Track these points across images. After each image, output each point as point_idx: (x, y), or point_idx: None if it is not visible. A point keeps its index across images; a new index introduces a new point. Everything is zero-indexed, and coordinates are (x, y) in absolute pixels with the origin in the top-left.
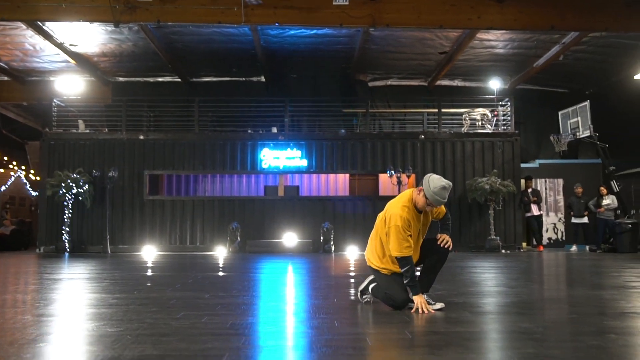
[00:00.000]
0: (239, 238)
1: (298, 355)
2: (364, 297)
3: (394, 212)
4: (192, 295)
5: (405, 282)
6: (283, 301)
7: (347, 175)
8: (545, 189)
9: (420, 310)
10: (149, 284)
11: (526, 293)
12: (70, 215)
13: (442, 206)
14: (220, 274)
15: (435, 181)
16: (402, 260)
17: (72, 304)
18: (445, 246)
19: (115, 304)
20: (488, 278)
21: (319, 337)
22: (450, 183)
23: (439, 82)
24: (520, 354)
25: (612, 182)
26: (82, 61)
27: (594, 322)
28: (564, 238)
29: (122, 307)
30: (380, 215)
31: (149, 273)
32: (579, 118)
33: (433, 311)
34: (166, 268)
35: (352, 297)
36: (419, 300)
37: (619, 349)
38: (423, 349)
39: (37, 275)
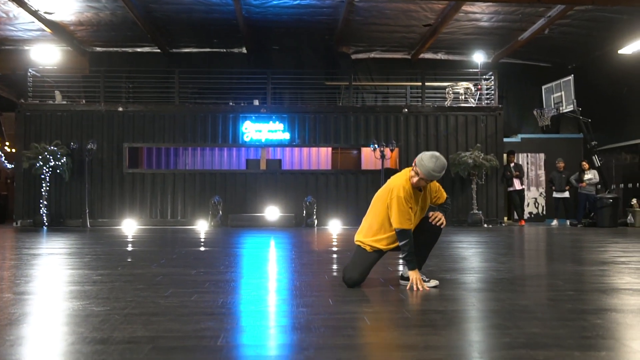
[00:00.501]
0: (220, 212)
1: (298, 337)
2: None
3: (398, 183)
4: (178, 272)
5: (401, 256)
6: (273, 278)
7: (330, 149)
8: (527, 163)
9: (415, 287)
10: (132, 260)
11: (518, 269)
12: (48, 188)
13: (442, 191)
14: (204, 249)
15: (426, 154)
16: (401, 233)
17: (54, 281)
18: (438, 223)
19: (99, 280)
20: (476, 253)
21: (315, 316)
22: (442, 158)
23: (422, 55)
24: (526, 335)
25: (593, 157)
26: (58, 30)
27: (591, 300)
28: (544, 212)
29: (106, 285)
30: (380, 191)
31: (131, 248)
32: (563, 92)
33: (428, 288)
34: (148, 243)
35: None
36: (414, 276)
37: (623, 329)
38: (424, 328)
39: (15, 250)
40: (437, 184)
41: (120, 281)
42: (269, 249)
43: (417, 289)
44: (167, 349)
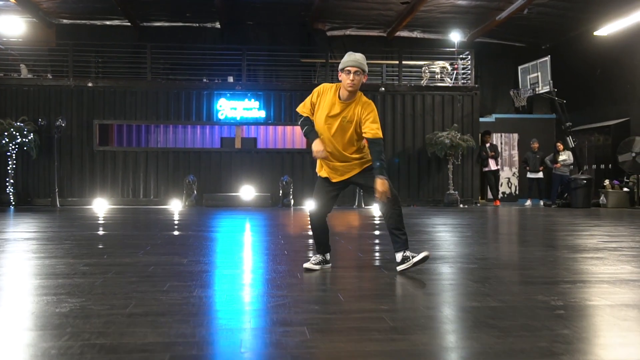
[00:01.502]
0: (195, 192)
1: (329, 339)
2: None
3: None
4: (169, 261)
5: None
6: (276, 269)
7: None
8: (501, 143)
9: (383, 193)
10: (116, 246)
11: (515, 257)
12: (14, 166)
13: (373, 124)
14: (189, 233)
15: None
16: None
17: (40, 270)
18: (384, 199)
19: (88, 272)
20: (468, 239)
21: (333, 316)
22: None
23: (398, 34)
24: (557, 337)
25: (568, 138)
26: (23, 0)
27: (606, 294)
28: (517, 192)
29: (98, 277)
30: None
31: (110, 232)
32: (539, 73)
33: (390, 196)
34: (127, 226)
35: (313, 266)
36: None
37: None
38: (455, 332)
39: None
40: (372, 113)
41: (111, 272)
42: (260, 233)
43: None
44: (187, 358)
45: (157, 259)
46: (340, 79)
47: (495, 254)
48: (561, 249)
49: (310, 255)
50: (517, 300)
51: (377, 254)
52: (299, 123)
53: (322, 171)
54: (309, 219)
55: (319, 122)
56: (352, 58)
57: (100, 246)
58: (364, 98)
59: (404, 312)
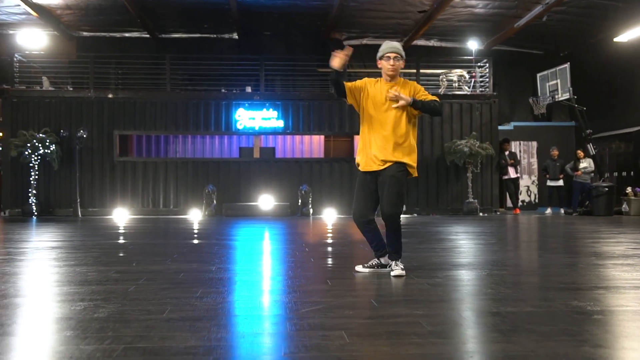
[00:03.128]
0: (214, 201)
1: (369, 343)
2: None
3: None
4: (197, 268)
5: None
6: (305, 275)
7: (323, 137)
8: (520, 151)
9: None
10: (143, 255)
11: (543, 263)
12: (36, 177)
13: (428, 95)
14: (210, 241)
15: None
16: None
17: (70, 278)
18: (391, 96)
19: (120, 279)
20: (492, 246)
21: (369, 320)
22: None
23: (415, 42)
24: (599, 341)
25: (588, 145)
26: (44, 14)
27: None
28: (537, 200)
29: (130, 283)
30: None
31: (135, 241)
32: (558, 80)
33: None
34: (149, 235)
35: (362, 269)
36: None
37: None
38: (494, 336)
39: (10, 244)
40: (419, 87)
41: (142, 279)
42: (282, 241)
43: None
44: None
45: (185, 266)
46: (380, 66)
47: (521, 260)
48: (589, 256)
49: (331, 262)
50: (552, 305)
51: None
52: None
53: (361, 163)
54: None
55: (371, 110)
56: (390, 45)
57: (127, 254)
58: (403, 80)
59: (439, 317)
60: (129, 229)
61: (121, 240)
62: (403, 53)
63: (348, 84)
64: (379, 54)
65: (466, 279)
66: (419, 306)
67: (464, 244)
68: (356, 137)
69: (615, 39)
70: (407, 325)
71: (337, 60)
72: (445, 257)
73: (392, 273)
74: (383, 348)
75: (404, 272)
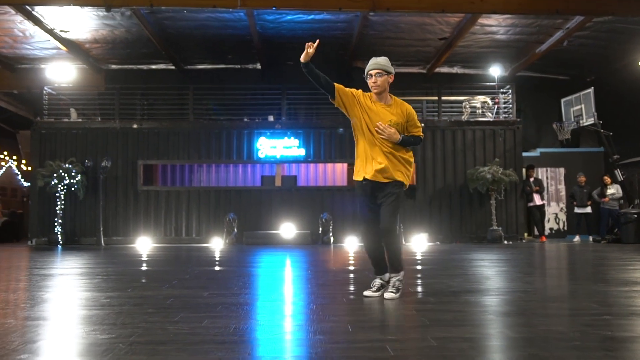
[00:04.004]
0: (235, 229)
1: None
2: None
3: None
4: (190, 294)
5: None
6: (287, 301)
7: (345, 165)
8: (547, 178)
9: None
10: (143, 280)
11: (587, 292)
12: (62, 206)
13: (417, 126)
14: (218, 268)
15: None
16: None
17: (61, 304)
18: (379, 130)
19: (107, 304)
20: (499, 272)
21: (333, 345)
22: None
23: (437, 70)
24: None
25: (616, 171)
26: (74, 48)
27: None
28: (565, 228)
29: (115, 308)
30: None
31: (144, 268)
32: (583, 105)
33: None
34: (162, 262)
35: (357, 295)
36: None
37: None
38: None
39: (26, 271)
40: (413, 114)
41: (129, 304)
42: (284, 269)
43: None
44: None
45: (180, 292)
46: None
47: (531, 288)
48: (602, 282)
49: (352, 288)
50: (533, 334)
51: (419, 285)
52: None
53: (359, 174)
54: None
55: (371, 125)
56: (373, 61)
57: (128, 280)
58: (399, 100)
59: (409, 342)
60: (144, 257)
61: (130, 267)
62: (388, 68)
63: (339, 86)
64: (365, 73)
65: (459, 305)
66: (394, 331)
67: (476, 270)
68: None
69: None
70: (370, 350)
71: (302, 56)
72: (450, 283)
73: (385, 295)
74: None
75: (396, 295)
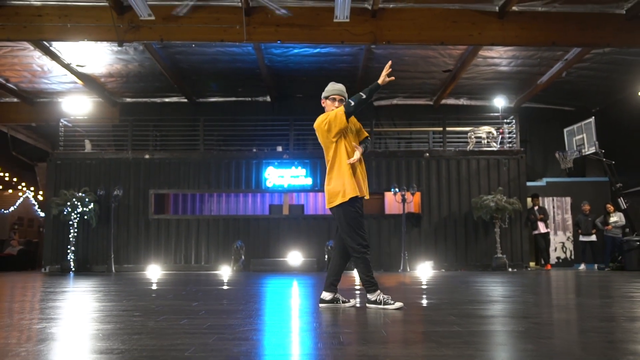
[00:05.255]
0: (243, 257)
1: None
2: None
3: (321, 117)
4: (181, 304)
5: (364, 96)
6: (270, 306)
7: None
8: (553, 207)
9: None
10: (139, 295)
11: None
12: (75, 234)
13: (363, 129)
14: (215, 287)
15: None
16: (347, 105)
17: (57, 308)
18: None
19: (100, 308)
20: (497, 297)
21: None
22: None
23: (444, 101)
24: None
25: (619, 200)
26: (90, 82)
27: None
28: (572, 257)
29: (104, 312)
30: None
31: (145, 287)
32: (584, 134)
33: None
34: (164, 283)
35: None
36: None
37: None
38: None
39: (30, 290)
40: (358, 124)
41: (119, 310)
42: (281, 288)
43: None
44: None
45: (171, 302)
46: (323, 105)
47: (508, 308)
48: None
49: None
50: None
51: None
52: (357, 98)
53: (357, 190)
54: (365, 250)
55: (352, 144)
56: (337, 87)
57: (126, 294)
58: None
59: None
60: (150, 280)
61: (131, 287)
62: (346, 96)
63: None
64: (325, 94)
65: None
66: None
67: (464, 291)
68: (387, 194)
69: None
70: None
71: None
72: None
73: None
74: None
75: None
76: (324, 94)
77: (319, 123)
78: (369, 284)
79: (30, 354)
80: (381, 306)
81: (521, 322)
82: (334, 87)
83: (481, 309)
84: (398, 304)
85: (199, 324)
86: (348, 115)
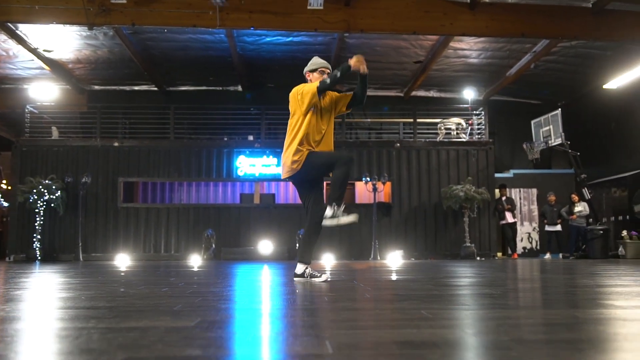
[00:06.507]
0: (213, 245)
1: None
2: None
3: (298, 87)
4: (138, 280)
5: (337, 73)
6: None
7: (324, 184)
8: (520, 198)
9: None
10: (100, 278)
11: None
12: (42, 222)
13: (345, 95)
14: (179, 269)
15: (312, 60)
16: (328, 77)
17: (28, 287)
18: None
19: (63, 283)
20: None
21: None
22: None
23: (414, 93)
24: None
25: (583, 190)
26: (57, 68)
27: None
28: (538, 247)
29: (63, 285)
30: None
31: (108, 270)
32: (551, 126)
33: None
34: (130, 269)
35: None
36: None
37: None
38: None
39: None
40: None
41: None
42: (243, 270)
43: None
44: None
45: (129, 279)
46: (309, 78)
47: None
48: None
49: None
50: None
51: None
52: (333, 76)
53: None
54: (317, 223)
55: (317, 115)
56: (323, 61)
57: (89, 273)
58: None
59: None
60: (114, 266)
61: (95, 270)
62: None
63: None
64: (312, 67)
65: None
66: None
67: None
68: (358, 184)
69: (604, 86)
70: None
71: (362, 67)
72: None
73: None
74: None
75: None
76: (309, 67)
77: (294, 92)
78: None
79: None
80: (308, 279)
81: (496, 289)
82: (321, 61)
83: (457, 282)
84: (324, 276)
85: (181, 290)
86: (320, 91)
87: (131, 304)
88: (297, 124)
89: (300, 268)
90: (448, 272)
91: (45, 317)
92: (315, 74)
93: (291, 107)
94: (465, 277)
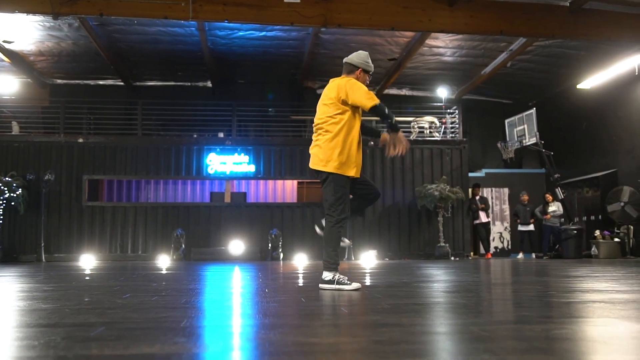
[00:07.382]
0: (183, 245)
1: None
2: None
3: (341, 81)
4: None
5: (390, 116)
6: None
7: (296, 182)
8: (492, 198)
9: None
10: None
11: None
12: (1, 221)
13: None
14: (147, 272)
15: (360, 54)
16: (378, 107)
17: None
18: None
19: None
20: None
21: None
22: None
23: (387, 91)
24: None
25: (557, 190)
26: (17, 60)
27: None
28: (510, 247)
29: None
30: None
31: (71, 272)
32: (525, 126)
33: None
34: (95, 270)
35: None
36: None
37: None
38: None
39: None
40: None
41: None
42: (212, 270)
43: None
44: None
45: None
46: (357, 75)
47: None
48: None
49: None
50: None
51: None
52: (382, 108)
53: (351, 169)
54: (341, 223)
55: (357, 117)
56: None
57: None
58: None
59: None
60: (79, 267)
61: (56, 271)
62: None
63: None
64: (369, 69)
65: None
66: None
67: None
68: None
69: (578, 86)
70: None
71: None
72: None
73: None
74: None
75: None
76: (365, 67)
77: (345, 84)
78: (330, 261)
79: None
80: (336, 286)
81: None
82: (371, 63)
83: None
84: (355, 285)
85: (173, 300)
86: (372, 109)
87: (127, 318)
88: (344, 121)
89: (328, 275)
90: (424, 276)
91: (30, 339)
92: (364, 74)
93: (332, 97)
94: (440, 281)
